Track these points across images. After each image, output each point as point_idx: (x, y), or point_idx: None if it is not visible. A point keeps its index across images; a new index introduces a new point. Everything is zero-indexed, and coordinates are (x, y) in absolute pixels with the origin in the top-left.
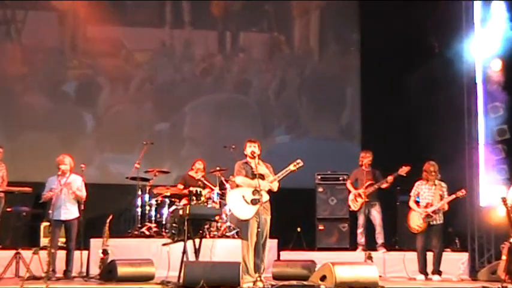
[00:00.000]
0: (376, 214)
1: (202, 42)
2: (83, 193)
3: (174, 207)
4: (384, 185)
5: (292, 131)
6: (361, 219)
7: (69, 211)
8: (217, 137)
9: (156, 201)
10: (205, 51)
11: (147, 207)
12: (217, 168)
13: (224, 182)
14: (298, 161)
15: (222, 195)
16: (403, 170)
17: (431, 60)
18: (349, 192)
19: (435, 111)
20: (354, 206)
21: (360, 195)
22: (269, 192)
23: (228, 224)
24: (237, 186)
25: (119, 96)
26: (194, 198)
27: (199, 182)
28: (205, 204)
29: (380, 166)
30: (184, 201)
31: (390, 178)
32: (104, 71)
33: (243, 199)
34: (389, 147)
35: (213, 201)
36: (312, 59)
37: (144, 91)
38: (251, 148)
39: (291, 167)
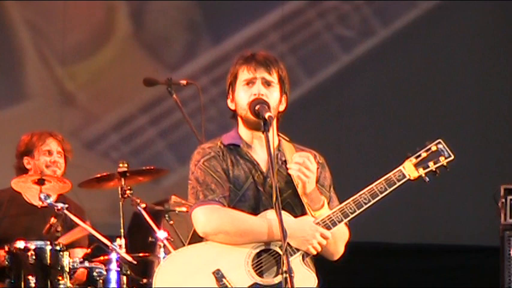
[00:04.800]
0: None
1: None
2: None
3: None
4: None
5: None
6: None
7: None
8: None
9: None
10: None
11: None
12: (121, 165)
13: (143, 214)
14: (437, 146)
15: (142, 268)
16: None
17: None
18: None
19: None
20: None
21: None
22: (315, 262)
23: None
24: (197, 238)
25: None
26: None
27: (53, 221)
28: None
29: None
30: None
31: None
32: None
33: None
34: None
35: None
36: None
37: None
38: (251, 89)
39: (406, 170)
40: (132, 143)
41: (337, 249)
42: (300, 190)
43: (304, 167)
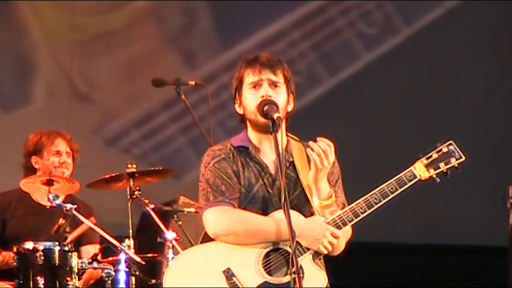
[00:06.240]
0: None
1: None
2: None
3: None
4: None
5: None
6: None
7: None
8: None
9: None
10: None
11: None
12: (130, 166)
13: (152, 215)
14: (449, 147)
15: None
16: None
17: None
18: None
19: None
20: None
21: None
22: (325, 260)
23: None
24: (208, 239)
25: None
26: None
27: (61, 221)
28: None
29: None
30: None
31: None
32: None
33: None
34: None
35: None
36: None
37: None
38: (258, 91)
39: (417, 170)
40: (152, 140)
41: (339, 245)
42: (311, 175)
43: (325, 155)
